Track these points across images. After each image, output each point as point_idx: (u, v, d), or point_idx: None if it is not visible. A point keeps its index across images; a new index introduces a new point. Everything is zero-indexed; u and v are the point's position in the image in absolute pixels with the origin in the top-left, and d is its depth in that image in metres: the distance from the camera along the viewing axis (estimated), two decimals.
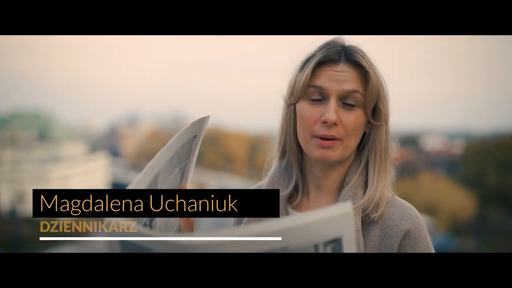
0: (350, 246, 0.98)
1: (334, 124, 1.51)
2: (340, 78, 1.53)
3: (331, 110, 1.51)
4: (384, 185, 1.56)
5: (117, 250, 1.04)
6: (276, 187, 1.63)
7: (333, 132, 1.51)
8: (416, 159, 55.02)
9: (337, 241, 0.96)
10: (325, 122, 1.51)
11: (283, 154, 1.66)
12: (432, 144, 63.66)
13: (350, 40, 1.61)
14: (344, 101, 1.53)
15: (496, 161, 43.62)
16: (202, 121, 1.46)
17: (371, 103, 1.55)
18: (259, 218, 1.60)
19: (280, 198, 1.61)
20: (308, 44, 1.61)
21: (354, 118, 1.53)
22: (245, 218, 1.63)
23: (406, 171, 43.22)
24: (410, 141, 62.56)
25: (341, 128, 1.52)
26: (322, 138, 1.52)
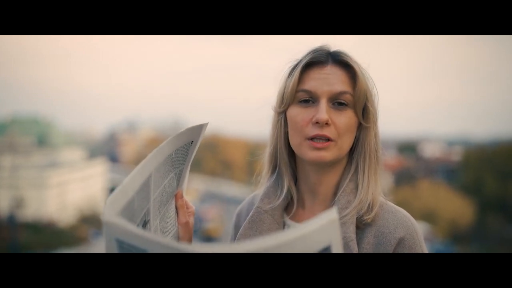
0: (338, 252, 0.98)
1: (326, 124, 1.50)
2: (329, 80, 1.52)
3: (323, 110, 1.49)
4: (375, 187, 1.55)
5: (114, 251, 1.03)
6: (271, 197, 1.62)
7: (325, 132, 1.50)
8: (415, 166, 54.99)
9: (327, 249, 0.96)
10: (317, 123, 1.50)
11: (275, 165, 1.65)
12: (431, 151, 63.68)
13: (348, 41, 1.60)
14: (335, 101, 1.52)
15: (495, 168, 43.63)
16: (200, 127, 1.44)
17: (360, 103, 1.54)
18: (253, 235, 1.59)
19: (275, 208, 1.61)
20: (303, 48, 1.60)
21: (346, 118, 1.52)
22: (239, 233, 1.61)
23: (405, 178, 43.22)
24: (409, 148, 62.56)
25: (334, 129, 1.51)
26: (314, 140, 1.51)
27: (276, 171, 1.64)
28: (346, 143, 1.53)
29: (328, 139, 1.50)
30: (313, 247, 0.95)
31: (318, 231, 0.95)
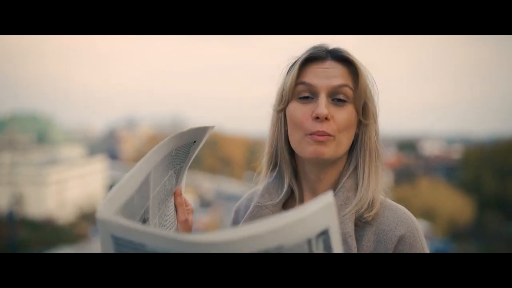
0: (336, 236, 0.98)
1: (326, 119, 1.49)
2: (329, 74, 1.51)
3: (322, 105, 1.48)
4: (376, 185, 1.53)
5: (110, 248, 1.03)
6: (272, 194, 1.62)
7: (325, 128, 1.48)
8: (414, 163, 54.99)
9: (325, 233, 0.97)
10: (317, 118, 1.49)
11: (275, 163, 1.64)
12: (430, 149, 63.70)
13: (348, 41, 1.60)
14: (335, 97, 1.51)
15: (495, 166, 43.65)
16: (205, 129, 1.44)
17: (361, 98, 1.53)
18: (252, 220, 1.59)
19: (275, 206, 1.61)
20: (303, 48, 1.59)
21: (346, 114, 1.51)
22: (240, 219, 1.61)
23: (404, 175, 43.22)
24: (408, 145, 62.55)
25: (333, 124, 1.50)
26: (315, 134, 1.50)
27: (277, 170, 1.64)
28: (345, 139, 1.53)
29: (327, 134, 1.50)
30: (311, 231, 0.95)
31: (315, 215, 0.95)
